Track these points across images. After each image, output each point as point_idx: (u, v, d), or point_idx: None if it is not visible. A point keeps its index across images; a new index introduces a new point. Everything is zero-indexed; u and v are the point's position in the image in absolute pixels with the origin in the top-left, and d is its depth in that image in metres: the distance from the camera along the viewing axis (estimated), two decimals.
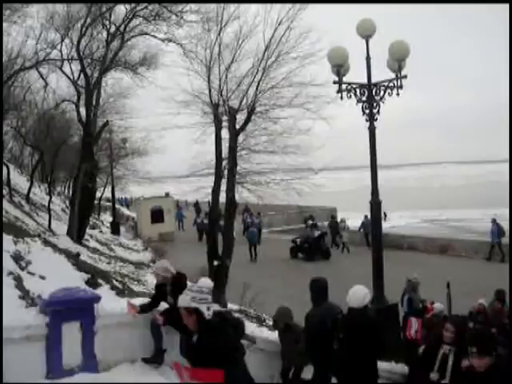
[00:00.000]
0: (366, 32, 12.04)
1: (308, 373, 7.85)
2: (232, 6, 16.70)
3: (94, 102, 24.11)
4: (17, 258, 12.80)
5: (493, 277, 19.86)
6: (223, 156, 16.42)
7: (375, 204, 12.43)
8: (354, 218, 49.41)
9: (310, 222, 34.24)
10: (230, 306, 16.56)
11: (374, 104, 12.11)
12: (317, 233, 31.36)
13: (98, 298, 8.18)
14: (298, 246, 30.91)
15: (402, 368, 8.84)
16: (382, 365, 9.65)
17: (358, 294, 7.24)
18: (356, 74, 12.41)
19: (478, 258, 28.60)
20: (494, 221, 29.11)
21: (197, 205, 46.65)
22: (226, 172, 16.41)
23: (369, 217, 33.70)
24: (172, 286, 8.31)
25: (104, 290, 14.17)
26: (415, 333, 11.49)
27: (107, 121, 27.79)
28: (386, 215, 54.27)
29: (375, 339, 7.18)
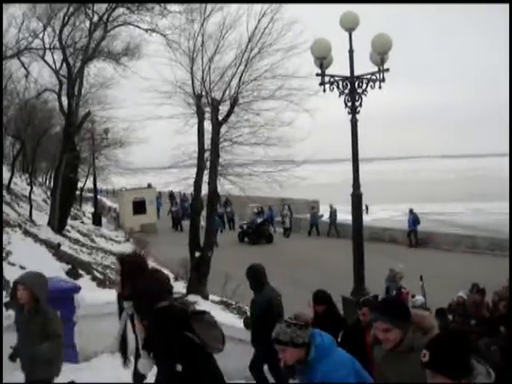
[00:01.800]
0: (349, 25, 12.05)
1: None
2: None
3: (76, 92, 23.97)
4: None
5: (474, 269, 20.07)
6: (206, 147, 16.40)
7: (356, 196, 12.49)
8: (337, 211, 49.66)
9: (256, 209, 36.23)
10: (211, 297, 16.62)
11: (357, 97, 12.15)
12: (260, 219, 33.80)
13: (77, 289, 8.17)
14: (244, 231, 33.54)
15: None
16: None
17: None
18: (340, 67, 12.45)
19: (458, 250, 28.86)
20: (411, 211, 32.40)
21: (171, 195, 47.35)
22: (208, 163, 16.39)
23: (334, 207, 36.27)
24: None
25: (85, 281, 14.17)
26: None
27: (89, 111, 27.65)
28: (367, 208, 54.54)
29: None
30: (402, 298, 12.59)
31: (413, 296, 12.80)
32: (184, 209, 40.64)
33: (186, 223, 37.99)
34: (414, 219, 31.80)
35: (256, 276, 8.09)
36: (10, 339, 7.37)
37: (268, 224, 35.09)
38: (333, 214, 36.62)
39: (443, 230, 41.24)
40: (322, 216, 38.58)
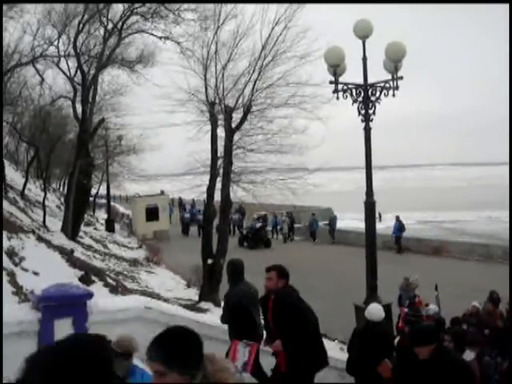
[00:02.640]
0: (363, 33, 12.04)
1: None
2: (229, 5, 16.72)
3: (90, 99, 24.10)
4: (10, 253, 12.81)
5: (487, 278, 19.93)
6: (219, 154, 16.44)
7: (369, 204, 12.46)
8: (349, 219, 49.63)
9: (255, 215, 37.32)
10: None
11: (370, 104, 12.13)
12: (258, 225, 34.95)
13: (90, 295, 8.16)
14: (243, 236, 34.65)
15: None
16: None
17: (376, 311, 8.11)
18: (353, 75, 12.43)
19: (472, 259, 28.68)
20: (397, 218, 33.18)
21: (181, 202, 47.84)
22: (221, 171, 16.42)
23: (334, 214, 36.65)
24: None
25: (97, 287, 14.19)
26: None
27: (103, 118, 27.79)
28: (380, 216, 54.42)
29: (388, 347, 7.83)
30: (416, 306, 12.51)
31: (426, 305, 12.71)
32: (192, 215, 42.00)
33: (193, 229, 39.52)
34: (399, 226, 32.77)
35: (234, 270, 8.21)
36: (25, 345, 7.41)
37: (266, 230, 36.46)
38: (332, 221, 37.58)
39: (456, 238, 40.99)
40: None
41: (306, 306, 7.42)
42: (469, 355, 8.64)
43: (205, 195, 17.10)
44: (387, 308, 12.61)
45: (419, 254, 30.36)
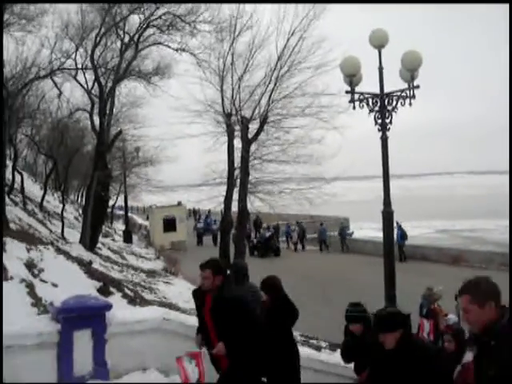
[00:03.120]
0: (379, 42, 12.02)
1: None
2: (245, 16, 16.84)
3: (107, 111, 24.25)
4: (29, 265, 12.87)
5: (508, 287, 19.72)
6: (235, 165, 16.49)
7: (387, 214, 12.39)
8: (366, 229, 49.40)
9: (266, 225, 38.88)
10: None
11: (387, 114, 12.09)
12: (268, 234, 35.92)
13: (109, 306, 8.19)
14: (254, 245, 34.93)
15: None
16: None
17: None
18: (368, 84, 12.41)
19: (491, 268, 28.38)
20: (398, 226, 31.77)
21: (195, 212, 48.18)
22: (238, 181, 16.46)
23: (344, 223, 37.21)
24: None
25: (116, 298, 14.21)
26: (428, 334, 11.50)
27: (120, 130, 27.94)
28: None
29: None
30: (434, 315, 12.39)
31: (445, 315, 12.58)
32: (207, 224, 42.97)
33: (206, 238, 40.81)
34: (402, 234, 32.23)
35: (238, 271, 8.39)
36: (45, 357, 7.46)
37: (276, 239, 37.14)
38: (342, 230, 38.27)
39: (475, 247, 40.65)
40: (352, 233, 39.25)
41: (250, 306, 7.18)
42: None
43: (222, 206, 17.15)
44: (407, 318, 12.51)
45: (438, 263, 30.12)
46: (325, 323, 16.95)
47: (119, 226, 46.54)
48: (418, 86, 12.08)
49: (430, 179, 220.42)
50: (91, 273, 15.72)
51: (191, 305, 18.83)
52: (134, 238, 38.85)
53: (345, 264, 31.03)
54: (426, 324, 11.77)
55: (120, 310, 9.30)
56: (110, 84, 24.33)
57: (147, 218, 48.21)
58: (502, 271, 27.54)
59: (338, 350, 11.89)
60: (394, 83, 12.27)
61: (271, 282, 7.57)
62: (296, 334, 14.73)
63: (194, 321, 8.53)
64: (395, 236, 32.04)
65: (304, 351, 11.04)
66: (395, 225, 33.36)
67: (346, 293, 21.24)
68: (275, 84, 16.09)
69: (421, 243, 37.96)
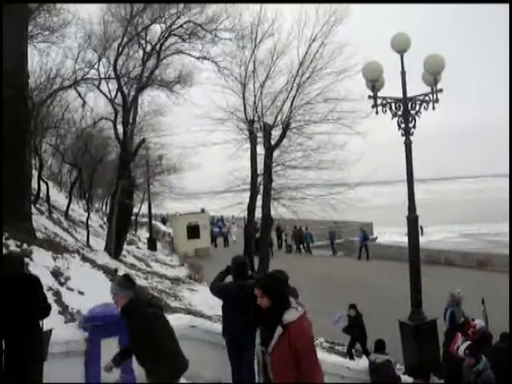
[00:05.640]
0: (401, 46, 11.99)
1: None
2: (266, 23, 16.87)
3: (130, 120, 24.44)
4: (56, 273, 12.99)
5: None
6: (258, 172, 16.51)
7: (412, 219, 12.32)
8: (390, 233, 49.10)
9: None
10: None
11: (410, 118, 12.04)
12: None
13: None
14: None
15: None
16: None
17: None
18: (391, 87, 12.37)
19: None
20: (361, 230, 37.53)
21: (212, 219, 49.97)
22: (261, 188, 16.47)
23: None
24: None
25: None
26: (457, 349, 11.34)
27: (144, 138, 28.11)
28: (422, 230, 53.77)
29: None
30: (469, 327, 12.22)
31: (472, 319, 12.45)
32: (219, 228, 47.34)
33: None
34: (364, 236, 36.84)
35: (237, 266, 8.29)
36: (72, 365, 7.51)
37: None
38: (332, 234, 40.54)
39: (500, 250, 40.16)
40: (376, 238, 39.58)
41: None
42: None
43: (245, 212, 17.18)
44: (433, 324, 12.44)
45: (464, 268, 29.82)
46: None
47: (143, 233, 46.76)
48: (441, 90, 12.02)
49: (454, 183, 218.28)
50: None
51: (216, 311, 18.89)
52: (158, 245, 39.01)
53: (368, 269, 30.86)
54: (460, 338, 11.60)
55: None
56: (132, 93, 24.53)
57: (165, 224, 48.81)
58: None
59: (364, 356, 11.87)
60: (417, 87, 12.24)
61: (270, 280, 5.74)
62: (321, 339, 14.72)
63: (219, 328, 8.56)
64: (358, 238, 36.85)
65: (330, 358, 11.02)
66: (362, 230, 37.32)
67: (372, 298, 21.15)
68: (297, 90, 16.10)
69: (445, 247, 37.69)
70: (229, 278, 8.44)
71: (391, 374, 10.05)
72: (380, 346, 10.19)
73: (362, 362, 11.08)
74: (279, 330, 4.81)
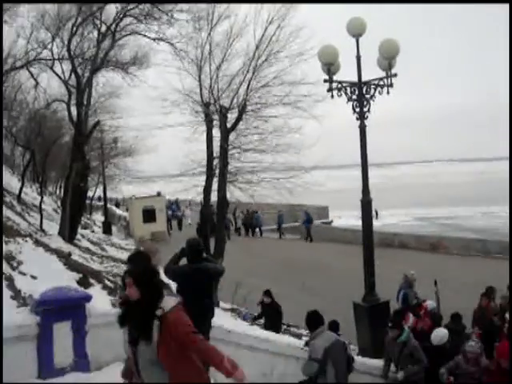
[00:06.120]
0: (356, 31, 12.07)
1: None
2: (223, 6, 16.72)
3: (85, 102, 24.03)
4: (8, 258, 12.79)
5: (485, 273, 19.97)
6: (214, 155, 16.44)
7: (366, 203, 12.49)
8: (346, 217, 49.68)
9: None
10: (222, 304, 16.61)
11: (365, 102, 12.16)
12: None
13: (89, 298, 8.17)
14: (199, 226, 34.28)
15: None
16: (373, 362, 9.80)
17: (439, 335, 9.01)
18: (347, 73, 12.46)
19: (469, 254, 28.76)
20: (305, 212, 39.28)
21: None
22: (217, 171, 16.41)
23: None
24: None
25: (96, 290, 14.15)
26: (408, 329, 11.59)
27: (98, 120, 27.71)
28: (377, 213, 54.60)
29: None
30: (422, 308, 12.49)
31: (423, 301, 12.74)
32: (173, 211, 47.56)
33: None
34: (308, 218, 38.71)
35: (191, 249, 8.33)
36: (24, 349, 7.41)
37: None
38: (280, 217, 40.75)
39: (453, 234, 41.14)
40: (331, 222, 40.25)
41: None
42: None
43: (201, 196, 17.11)
44: (386, 305, 12.68)
45: (417, 251, 30.43)
46: (305, 311, 17.06)
47: (98, 217, 46.27)
48: (395, 75, 12.17)
49: (410, 167, 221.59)
50: (70, 264, 15.63)
51: None
52: (114, 229, 38.67)
53: (323, 252, 31.23)
54: (410, 318, 11.87)
55: (100, 301, 9.28)
56: (87, 74, 24.07)
57: (126, 210, 48.07)
58: (479, 257, 27.99)
59: None
60: (376, 71, 12.35)
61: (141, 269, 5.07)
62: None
63: None
64: (302, 220, 38.74)
65: (285, 339, 11.13)
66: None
67: (327, 281, 21.45)
68: (253, 73, 16.01)
69: (399, 231, 38.35)
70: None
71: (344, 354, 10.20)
72: (333, 327, 10.32)
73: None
74: (156, 322, 4.63)
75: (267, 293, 13.66)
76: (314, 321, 7.78)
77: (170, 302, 4.76)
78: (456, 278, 20.62)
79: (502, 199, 70.44)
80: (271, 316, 13.39)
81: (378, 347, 10.54)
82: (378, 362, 9.96)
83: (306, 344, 8.95)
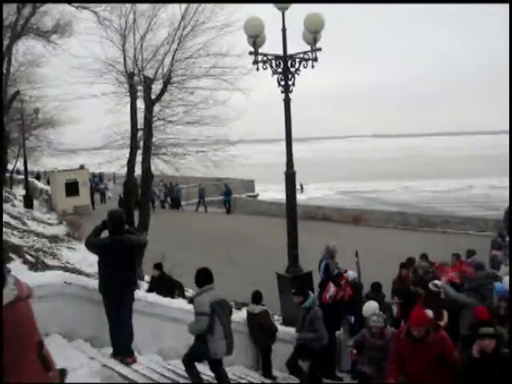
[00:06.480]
0: (282, 4, 12.08)
1: None
2: None
3: (4, 71, 23.19)
4: None
5: (404, 245, 20.65)
6: (139, 127, 16.17)
7: (290, 175, 12.63)
8: (272, 191, 50.15)
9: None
10: (146, 278, 16.51)
11: (290, 76, 12.23)
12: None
13: (8, 272, 7.95)
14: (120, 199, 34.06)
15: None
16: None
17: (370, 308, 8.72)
18: (274, 47, 12.49)
19: (389, 227, 29.64)
20: (225, 185, 40.33)
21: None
22: (141, 143, 16.17)
23: (202, 185, 40.16)
24: None
25: (16, 265, 13.86)
26: (329, 298, 11.92)
27: (18, 90, 26.89)
28: (302, 187, 55.45)
29: None
30: (343, 278, 12.78)
31: (345, 271, 13.06)
32: (96, 184, 46.73)
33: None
34: (227, 191, 39.45)
35: (112, 220, 8.21)
36: None
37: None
38: (201, 191, 40.57)
39: (375, 207, 42.28)
40: (257, 195, 40.84)
41: None
42: None
43: (126, 169, 16.82)
44: (308, 276, 12.93)
45: (340, 223, 31.11)
46: (230, 283, 17.22)
47: (19, 190, 44.94)
48: (319, 49, 12.27)
49: (335, 142, 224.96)
50: None
51: (95, 269, 18.64)
52: (35, 203, 37.66)
53: (249, 225, 31.47)
54: (331, 288, 12.14)
55: (20, 276, 9.04)
56: (6, 42, 23.21)
57: (48, 183, 46.84)
58: (399, 230, 28.93)
59: (244, 309, 12.17)
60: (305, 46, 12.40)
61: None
62: None
63: (96, 284, 8.45)
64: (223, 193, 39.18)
65: None
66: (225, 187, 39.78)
67: (252, 253, 21.66)
68: (178, 44, 15.75)
69: (323, 204, 39.07)
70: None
71: (268, 323, 10.37)
72: (257, 297, 10.46)
73: (240, 314, 11.35)
74: None
75: (157, 266, 13.24)
76: (202, 277, 7.61)
77: (9, 293, 3.96)
78: (377, 250, 21.24)
79: (422, 174, 72.89)
80: (161, 290, 13.08)
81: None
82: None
83: (191, 301, 8.82)
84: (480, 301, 10.18)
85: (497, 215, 25.02)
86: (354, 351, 8.88)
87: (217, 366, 7.55)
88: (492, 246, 17.84)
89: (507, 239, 18.78)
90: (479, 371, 6.08)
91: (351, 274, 12.89)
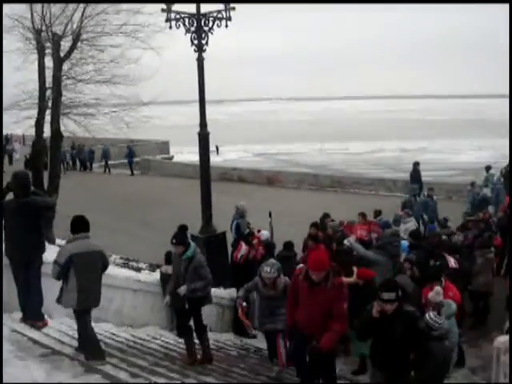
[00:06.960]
0: None
1: None
2: None
3: None
4: None
5: (316, 205, 21.04)
6: (47, 85, 15.56)
7: (203, 136, 12.60)
8: (188, 153, 49.90)
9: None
10: (58, 241, 16.13)
11: (203, 35, 12.11)
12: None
13: None
14: (26, 160, 33.14)
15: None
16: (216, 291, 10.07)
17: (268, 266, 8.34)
18: (189, 5, 12.30)
19: (303, 188, 30.20)
20: (128, 147, 39.20)
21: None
22: (50, 102, 15.58)
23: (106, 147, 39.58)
24: None
25: None
26: (241, 257, 12.08)
27: None
28: (217, 149, 55.45)
29: None
30: (254, 238, 12.90)
31: (258, 231, 13.23)
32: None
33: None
34: (130, 153, 39.05)
35: (18, 183, 8.02)
36: None
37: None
38: (106, 152, 40.10)
39: (289, 169, 42.91)
40: (172, 157, 40.55)
41: None
42: None
43: (34, 129, 16.20)
44: (222, 236, 13.04)
45: (254, 185, 31.39)
46: (144, 245, 17.16)
47: None
48: (233, 8, 12.19)
49: (251, 105, 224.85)
50: None
51: None
52: None
53: (164, 187, 31.28)
54: (243, 247, 12.29)
55: None
56: None
57: None
58: (312, 191, 29.54)
59: (157, 270, 12.13)
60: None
61: None
62: (116, 256, 14.77)
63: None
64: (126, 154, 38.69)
65: (123, 272, 11.14)
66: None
67: (166, 215, 21.54)
68: None
69: (238, 166, 39.26)
70: None
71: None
72: (169, 258, 10.44)
73: (154, 275, 11.36)
74: None
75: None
76: (76, 225, 7.48)
77: None
78: (290, 210, 21.59)
79: (334, 137, 74.35)
80: None
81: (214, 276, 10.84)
82: (214, 291, 10.26)
83: None
84: (388, 258, 10.62)
85: (405, 177, 25.89)
86: (244, 303, 8.72)
87: (79, 317, 7.33)
88: (402, 207, 18.44)
89: (419, 199, 19.63)
90: (379, 329, 6.12)
91: (265, 233, 13.06)
